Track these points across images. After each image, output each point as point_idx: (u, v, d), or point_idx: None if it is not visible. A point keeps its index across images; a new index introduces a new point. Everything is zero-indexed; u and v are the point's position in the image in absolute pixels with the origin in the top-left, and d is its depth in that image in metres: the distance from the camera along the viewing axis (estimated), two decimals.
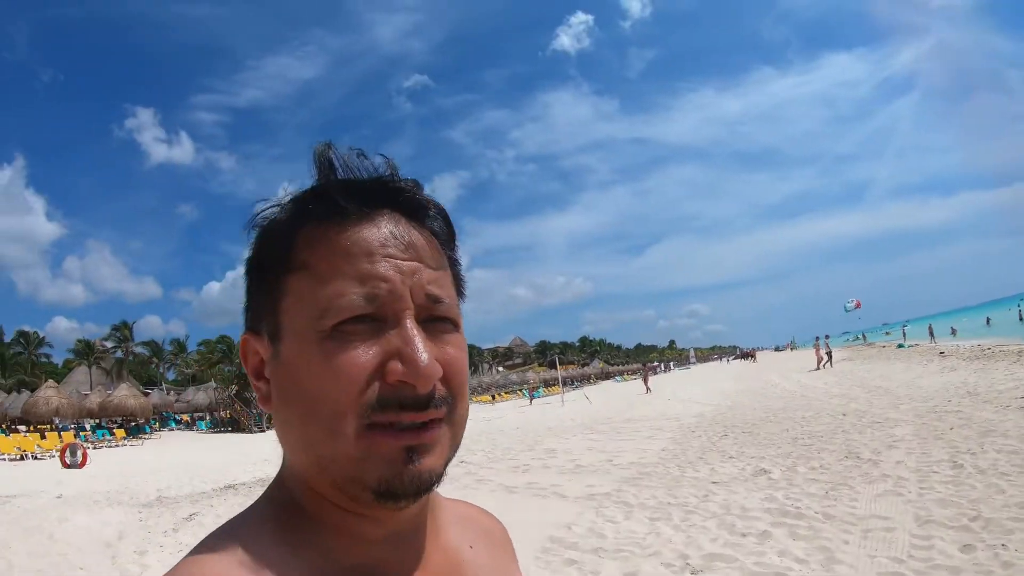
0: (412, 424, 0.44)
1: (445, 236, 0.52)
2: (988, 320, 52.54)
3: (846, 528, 4.36)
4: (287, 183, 0.52)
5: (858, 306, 48.49)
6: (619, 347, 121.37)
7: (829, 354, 27.33)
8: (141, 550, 5.89)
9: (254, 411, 29.53)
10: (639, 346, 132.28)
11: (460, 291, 0.54)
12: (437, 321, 0.48)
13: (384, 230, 0.47)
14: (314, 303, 0.45)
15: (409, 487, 0.44)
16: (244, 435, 26.76)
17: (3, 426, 29.89)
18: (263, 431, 27.42)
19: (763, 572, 3.78)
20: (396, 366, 0.44)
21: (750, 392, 18.86)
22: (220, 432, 30.83)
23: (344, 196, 0.47)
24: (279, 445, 0.50)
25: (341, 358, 0.44)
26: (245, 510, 0.49)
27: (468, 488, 7.37)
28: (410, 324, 0.45)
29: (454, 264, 0.54)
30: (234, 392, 32.33)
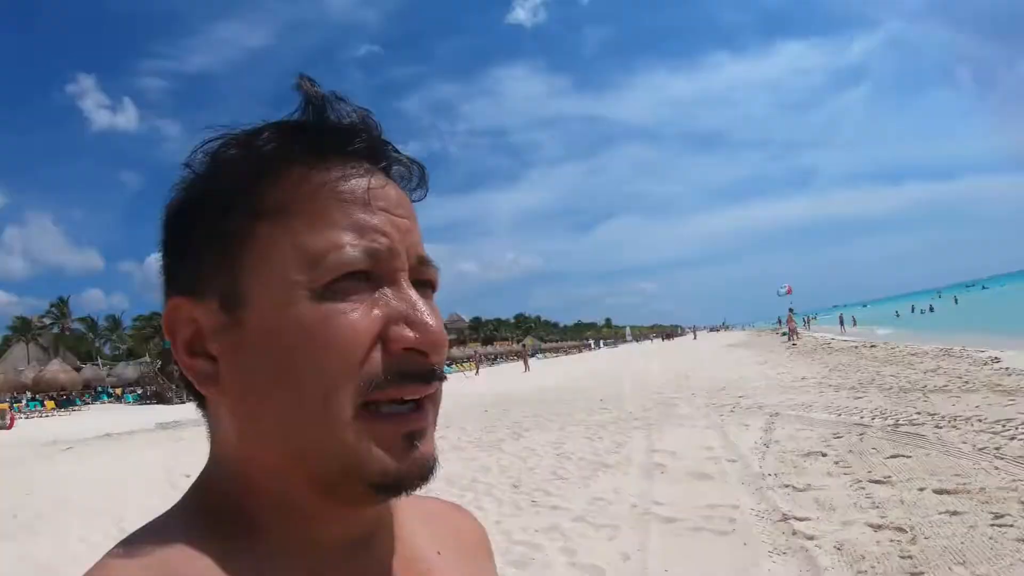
0: (411, 402, 0.38)
1: (419, 200, 0.44)
2: (897, 313, 59.11)
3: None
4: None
5: (789, 291, 49.39)
6: (556, 324, 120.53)
7: (794, 330, 29.21)
8: (31, 468, 9.83)
9: (175, 385, 29.81)
10: (579, 323, 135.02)
11: None
12: (422, 286, 0.41)
13: (376, 181, 0.40)
14: (301, 255, 0.37)
15: (415, 477, 0.38)
16: (165, 406, 27.53)
17: None
18: (183, 402, 27.34)
19: None
20: (404, 332, 0.37)
21: (596, 373, 21.61)
22: (145, 404, 31.74)
23: (333, 137, 0.40)
24: (209, 440, 0.41)
25: (339, 321, 0.36)
26: (166, 511, 0.39)
27: None
28: (407, 285, 0.39)
29: None
30: (158, 367, 34.49)
